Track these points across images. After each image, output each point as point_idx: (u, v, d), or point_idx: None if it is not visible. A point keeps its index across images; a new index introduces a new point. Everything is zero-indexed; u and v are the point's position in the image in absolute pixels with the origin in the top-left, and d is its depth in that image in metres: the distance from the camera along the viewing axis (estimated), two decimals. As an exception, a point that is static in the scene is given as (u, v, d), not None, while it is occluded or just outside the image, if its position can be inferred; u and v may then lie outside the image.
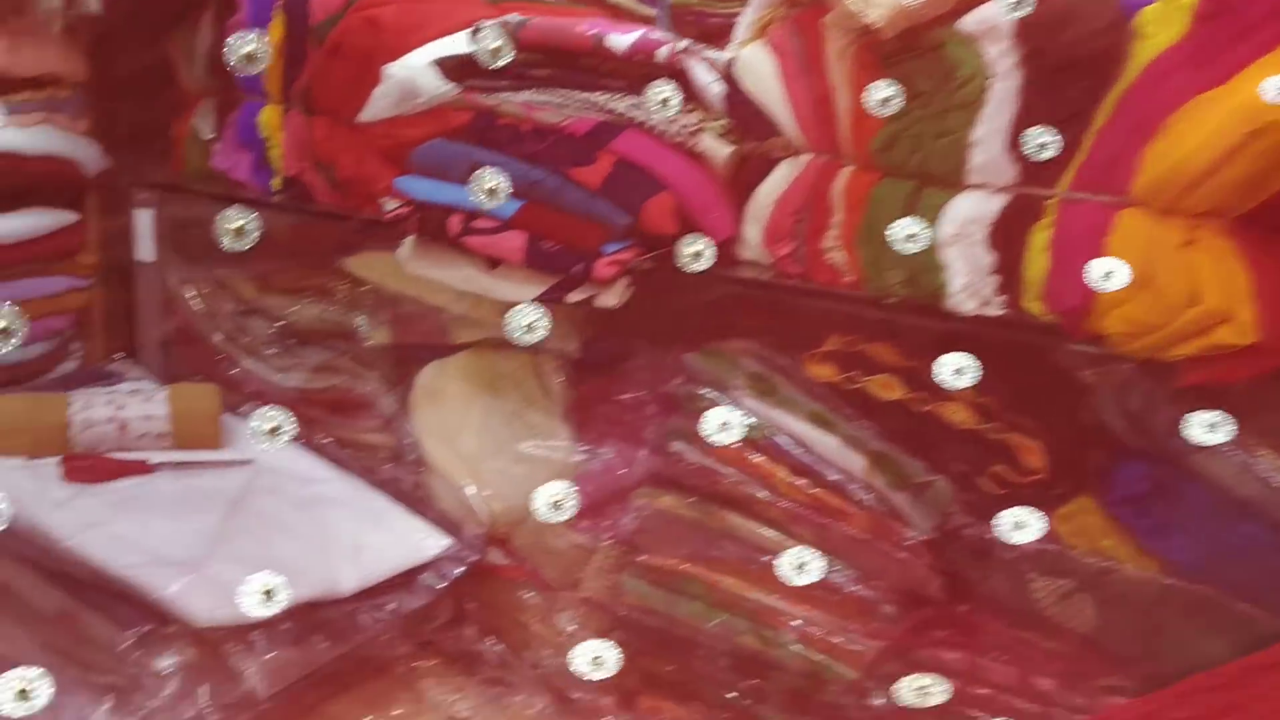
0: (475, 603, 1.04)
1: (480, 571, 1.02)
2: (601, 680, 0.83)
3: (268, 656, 0.87)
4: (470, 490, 1.03)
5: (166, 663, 0.86)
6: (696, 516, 0.93)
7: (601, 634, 1.00)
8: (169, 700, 0.85)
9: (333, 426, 1.14)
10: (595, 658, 0.85)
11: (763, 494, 0.90)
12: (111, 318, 1.31)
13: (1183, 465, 0.79)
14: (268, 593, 0.84)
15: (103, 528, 0.93)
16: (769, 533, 0.90)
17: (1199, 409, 0.78)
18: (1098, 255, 0.78)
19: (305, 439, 1.13)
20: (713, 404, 0.90)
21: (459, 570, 1.00)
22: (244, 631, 0.87)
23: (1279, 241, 0.77)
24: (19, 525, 0.95)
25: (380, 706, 0.96)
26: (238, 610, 0.86)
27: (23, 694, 0.78)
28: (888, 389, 0.89)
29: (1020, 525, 0.83)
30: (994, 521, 0.85)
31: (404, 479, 1.08)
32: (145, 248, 1.28)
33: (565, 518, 0.94)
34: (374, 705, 0.96)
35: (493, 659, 1.01)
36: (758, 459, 0.90)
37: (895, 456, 0.89)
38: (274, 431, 0.99)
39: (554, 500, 0.94)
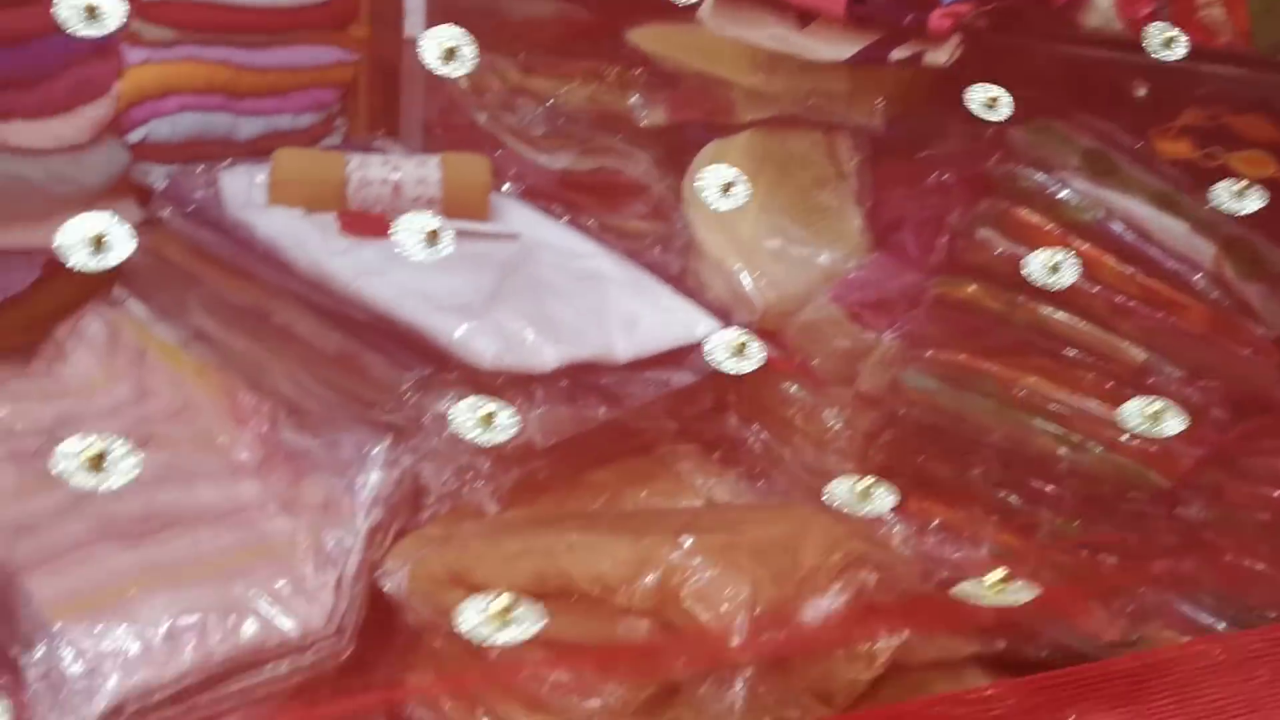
0: (738, 394, 1.01)
1: (748, 361, 0.99)
2: (905, 459, 0.79)
3: (546, 410, 0.86)
4: (744, 277, 0.99)
5: (448, 406, 0.86)
6: (1000, 309, 0.87)
7: (871, 433, 0.97)
8: (448, 441, 0.85)
9: (597, 211, 1.12)
10: (898, 438, 0.81)
11: (1083, 284, 0.83)
12: (376, 95, 1.31)
13: None
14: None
15: (383, 276, 0.94)
16: (1086, 327, 0.84)
17: None
18: None
19: (570, 221, 1.12)
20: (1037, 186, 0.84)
21: (726, 356, 0.97)
22: (525, 382, 0.86)
23: None
24: (301, 269, 0.96)
25: (640, 482, 0.95)
26: (523, 358, 0.85)
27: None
28: (1256, 166, 0.81)
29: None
30: None
31: (671, 264, 1.06)
32: (415, 24, 1.27)
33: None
34: (634, 480, 0.95)
35: (754, 450, 0.99)
36: (1082, 245, 0.83)
37: (1253, 242, 0.81)
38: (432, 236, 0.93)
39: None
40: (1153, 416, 0.81)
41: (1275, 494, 0.81)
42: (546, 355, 0.87)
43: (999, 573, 0.57)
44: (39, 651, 0.74)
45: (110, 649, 0.74)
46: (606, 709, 0.77)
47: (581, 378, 0.89)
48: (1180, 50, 0.84)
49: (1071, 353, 0.84)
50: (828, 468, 0.98)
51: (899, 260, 0.94)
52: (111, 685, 0.72)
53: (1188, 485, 0.81)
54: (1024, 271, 0.83)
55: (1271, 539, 0.81)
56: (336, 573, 0.84)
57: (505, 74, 1.22)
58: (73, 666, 0.73)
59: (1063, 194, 0.83)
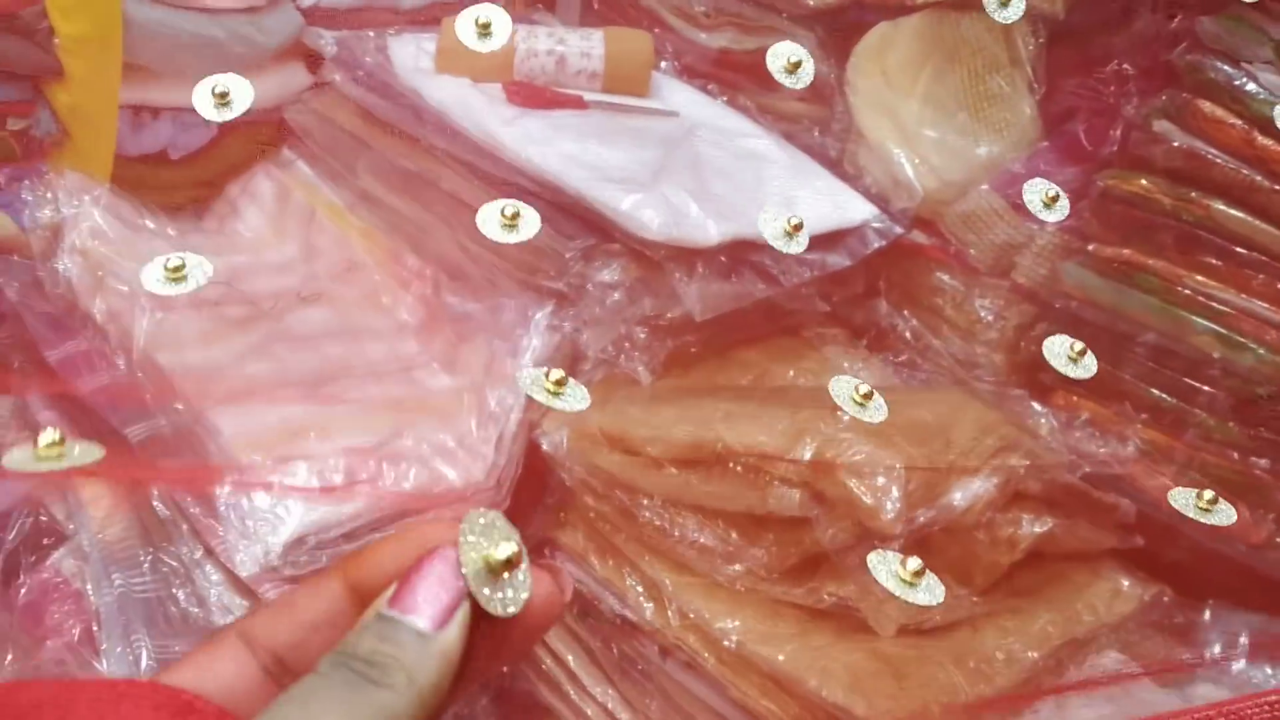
0: (889, 280, 1.02)
1: (901, 248, 0.99)
2: (1056, 357, 0.78)
3: (706, 283, 0.88)
4: (904, 163, 0.99)
5: (611, 275, 0.88)
6: (1171, 204, 0.86)
7: (1022, 326, 0.97)
8: (611, 310, 0.88)
9: (755, 91, 1.12)
10: (1052, 334, 0.80)
11: (1265, 183, 0.81)
12: (536, -33, 1.32)
13: None
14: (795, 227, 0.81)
15: (549, 145, 0.95)
16: (1262, 226, 0.82)
17: None
18: None
19: (728, 101, 1.12)
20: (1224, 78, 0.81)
21: (881, 242, 0.98)
22: (686, 255, 0.88)
23: None
24: (468, 136, 0.99)
25: (788, 361, 0.97)
26: (687, 231, 0.87)
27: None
28: None
29: None
30: None
31: (830, 147, 1.05)
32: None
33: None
34: (782, 359, 0.97)
35: (902, 337, 1.00)
36: (1267, 142, 0.81)
37: None
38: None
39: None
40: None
41: None
42: (710, 230, 0.88)
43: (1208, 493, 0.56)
44: (229, 484, 0.79)
45: (293, 485, 0.79)
46: (750, 574, 0.80)
47: (741, 254, 0.91)
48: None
49: (1243, 252, 0.83)
50: (975, 359, 0.99)
51: (1068, 151, 0.93)
52: (295, 518, 0.77)
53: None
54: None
55: None
56: (497, 430, 0.87)
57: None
58: (260, 499, 0.78)
59: (1249, 87, 0.81)
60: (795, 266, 0.93)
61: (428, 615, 0.38)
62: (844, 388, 0.60)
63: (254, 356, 0.92)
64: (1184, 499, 0.54)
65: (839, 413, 0.75)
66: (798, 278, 0.91)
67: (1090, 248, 0.90)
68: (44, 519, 0.86)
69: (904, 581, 0.54)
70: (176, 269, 0.58)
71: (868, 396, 0.60)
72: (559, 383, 0.55)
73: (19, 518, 0.87)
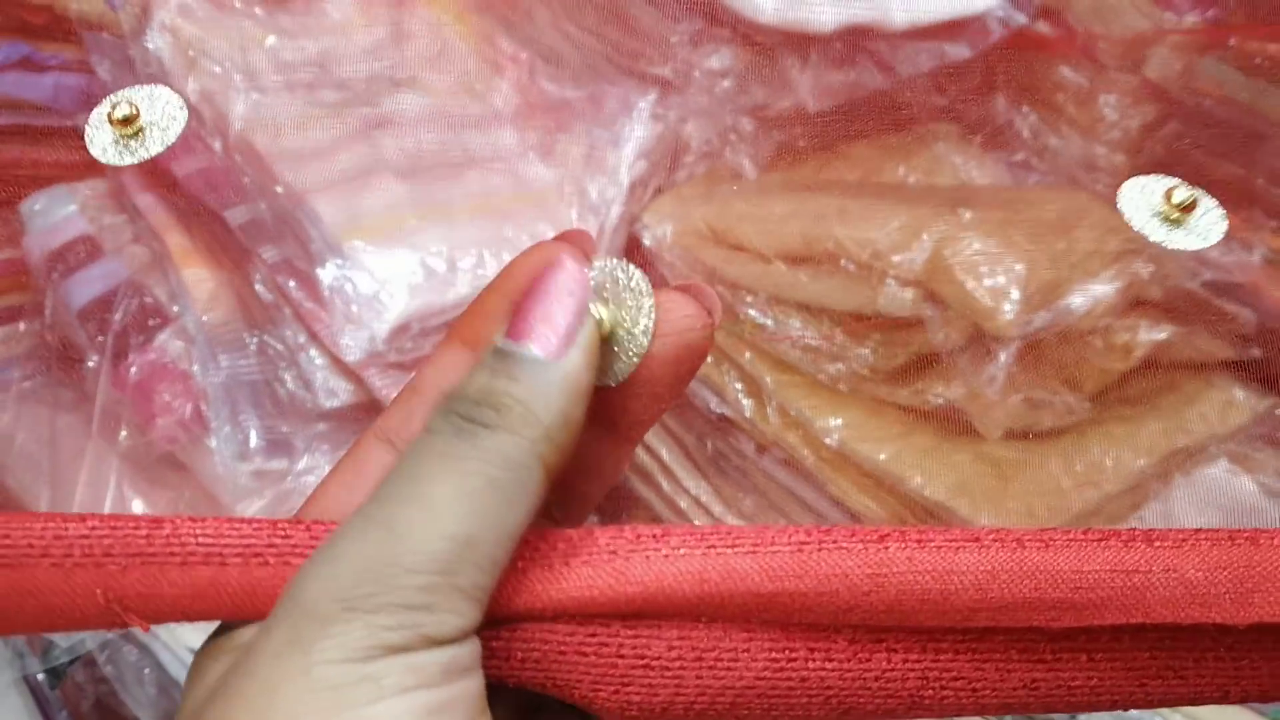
0: (1008, 74, 0.96)
1: (1022, 39, 0.94)
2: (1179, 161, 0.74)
3: (820, 72, 0.84)
4: (1032, -55, 0.92)
5: (719, 62, 0.84)
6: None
7: (1150, 125, 0.92)
8: (718, 99, 0.85)
9: None
10: (1179, 134, 0.76)
11: None
12: None
13: None
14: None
15: (655, -78, 0.90)
16: None
17: None
18: None
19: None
20: None
21: (1002, 32, 0.92)
22: (801, 43, 0.84)
23: None
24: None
25: (898, 158, 0.93)
26: (802, 15, 0.83)
27: None
28: None
29: None
30: None
31: (950, -71, 0.99)
32: None
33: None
34: (892, 155, 0.93)
35: (1019, 135, 0.95)
36: None
37: None
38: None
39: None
40: None
41: None
42: (825, 16, 0.84)
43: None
44: (331, 269, 0.79)
45: (396, 271, 0.78)
46: (854, 374, 0.79)
47: (857, 42, 0.86)
48: None
49: (1407, 47, 0.77)
50: (1096, 160, 0.94)
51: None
52: (400, 304, 0.77)
53: None
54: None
55: None
56: (599, 221, 0.86)
57: None
58: (365, 284, 0.77)
59: None
60: (914, 56, 0.88)
61: (544, 339, 0.34)
62: (1142, 198, 0.51)
63: (351, 141, 0.90)
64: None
65: (961, 210, 0.73)
66: (916, 68, 0.87)
67: (1233, 41, 0.84)
68: (149, 300, 0.87)
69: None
70: (127, 120, 0.55)
71: (1188, 209, 0.50)
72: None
73: (124, 298, 0.88)
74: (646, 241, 0.85)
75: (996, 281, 0.69)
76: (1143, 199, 0.63)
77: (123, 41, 0.96)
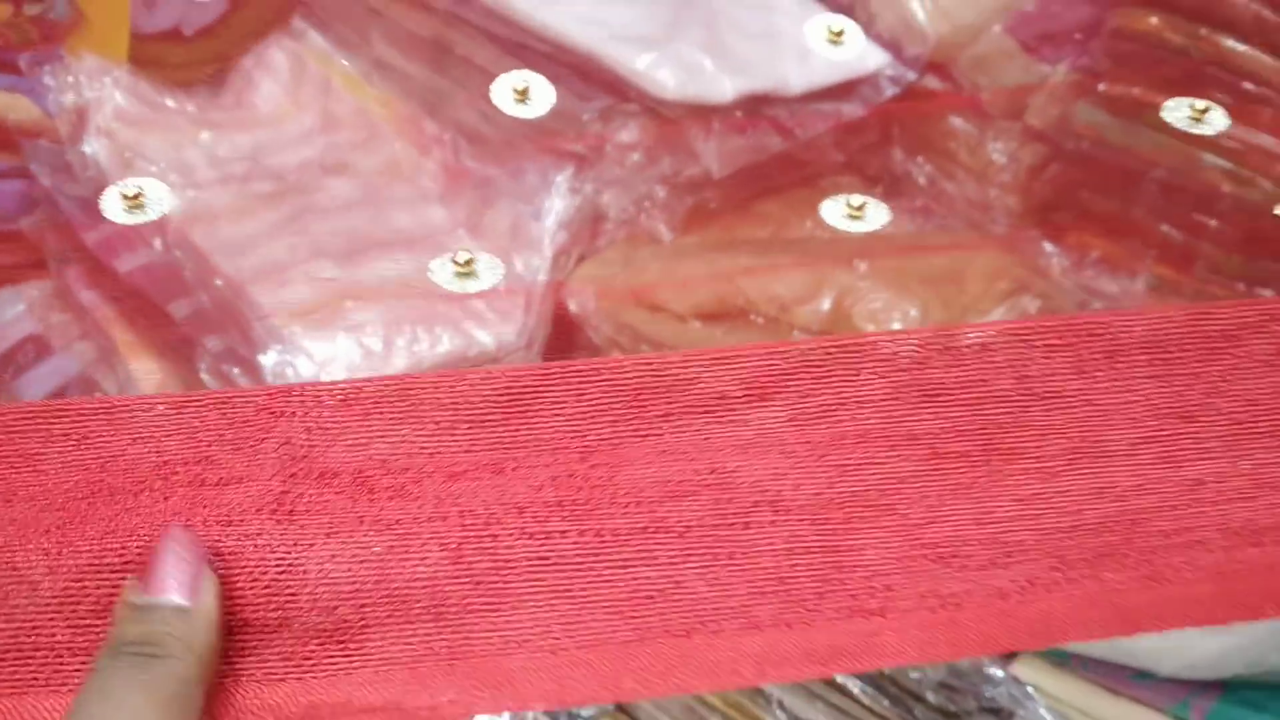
0: (903, 127, 1.03)
1: (914, 93, 1.00)
2: (1062, 192, 0.81)
3: (723, 140, 0.89)
4: (916, 8, 0.99)
5: (629, 136, 0.90)
6: (1181, 42, 0.86)
7: (1035, 167, 0.98)
8: (630, 170, 0.90)
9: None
10: (1060, 171, 0.83)
11: (1271, 16, 0.82)
12: None
13: None
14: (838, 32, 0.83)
15: (561, 6, 0.96)
16: (1270, 61, 0.83)
17: None
18: None
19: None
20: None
21: (894, 89, 0.98)
22: (704, 114, 0.89)
23: None
24: (482, 1, 0.99)
25: (806, 212, 0.98)
26: (703, 88, 0.88)
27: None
28: None
29: None
30: None
31: (841, -7, 1.05)
32: None
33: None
34: (799, 210, 0.98)
35: (917, 182, 1.01)
36: (1277, -24, 0.82)
37: None
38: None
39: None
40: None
41: None
42: (725, 86, 0.89)
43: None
44: (273, 354, 0.83)
45: (335, 353, 0.83)
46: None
47: (756, 109, 0.92)
48: None
49: (1250, 88, 0.84)
50: (990, 202, 1.00)
51: (1079, -11, 0.93)
52: (339, 384, 0.81)
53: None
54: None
55: None
56: (525, 292, 0.90)
57: None
58: (304, 367, 0.82)
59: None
60: (810, 118, 0.94)
61: (181, 589, 0.44)
62: (835, 206, 0.63)
63: (285, 230, 0.94)
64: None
65: (858, 261, 0.78)
66: (813, 129, 0.93)
67: (1101, 87, 0.90)
68: (99, 395, 0.90)
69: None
70: (135, 197, 0.62)
71: (861, 207, 0.63)
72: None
73: (74, 394, 0.91)
74: (572, 307, 0.90)
75: (893, 327, 0.75)
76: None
77: (61, 147, 1.01)
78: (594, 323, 0.89)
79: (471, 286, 0.67)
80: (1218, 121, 0.84)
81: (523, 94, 0.66)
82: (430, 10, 1.01)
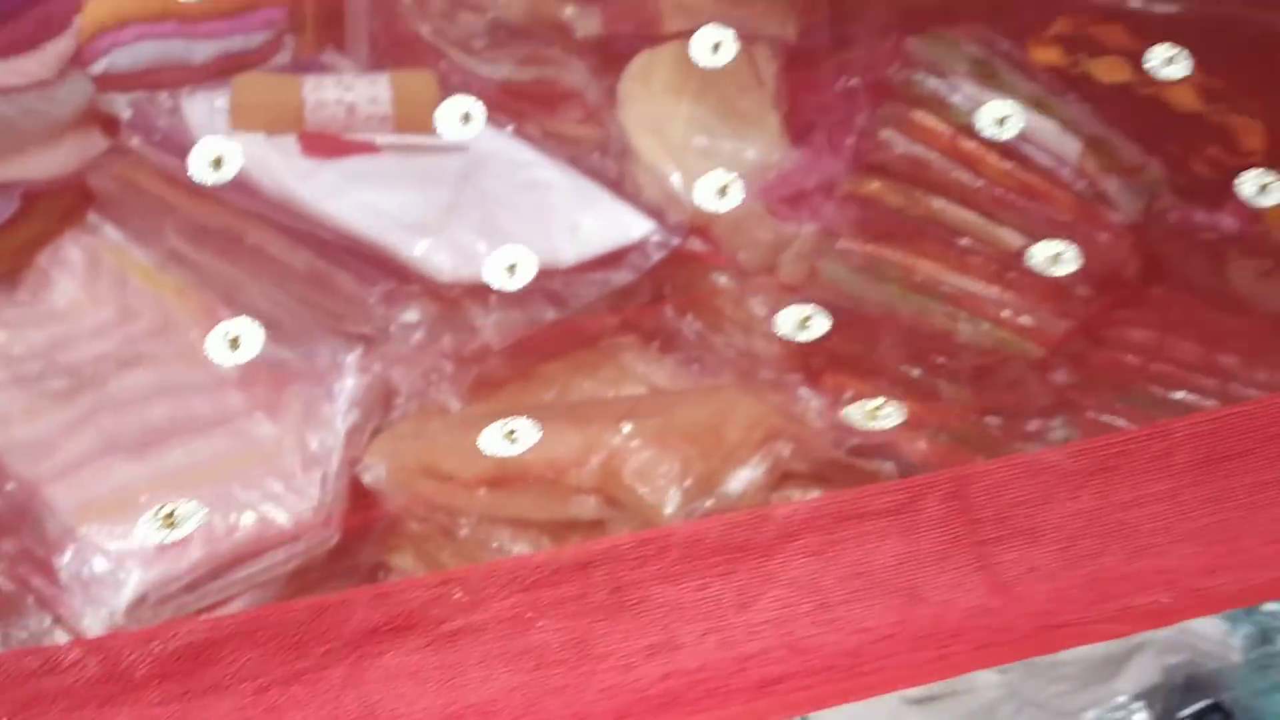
0: (674, 286, 1.11)
1: (680, 256, 1.09)
2: (820, 340, 0.91)
3: (501, 315, 0.96)
4: (674, 178, 1.08)
5: (411, 317, 0.96)
6: (900, 203, 0.97)
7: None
8: (415, 348, 0.96)
9: (539, 118, 1.20)
10: (804, 318, 0.92)
11: (970, 180, 0.93)
12: (322, 10, 1.37)
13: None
14: (511, 267, 0.92)
15: (345, 196, 1.02)
16: (972, 217, 0.94)
17: None
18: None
19: (515, 129, 1.20)
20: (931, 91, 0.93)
21: (661, 254, 1.07)
22: (481, 291, 0.96)
23: None
24: (269, 193, 1.05)
25: (587, 372, 1.05)
26: (478, 271, 0.95)
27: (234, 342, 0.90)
28: (1114, 71, 0.91)
29: (1265, 189, 0.86)
30: (1236, 182, 0.88)
31: (609, 168, 1.14)
32: (356, -59, 1.32)
33: (731, 205, 0.99)
34: (581, 371, 1.05)
35: (688, 338, 1.10)
36: (969, 145, 0.93)
37: (1112, 140, 0.92)
38: (464, 118, 1.04)
39: (720, 187, 0.99)
40: (1053, 258, 0.93)
41: (1128, 359, 0.93)
42: (494, 264, 0.96)
43: (877, 400, 0.72)
44: (68, 554, 0.85)
45: (130, 548, 0.85)
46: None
47: (531, 283, 0.99)
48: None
49: (962, 241, 0.95)
50: (756, 351, 1.09)
51: (814, 159, 1.03)
52: (134, 579, 0.83)
53: (1057, 354, 0.93)
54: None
55: (1126, 398, 0.93)
56: (321, 470, 0.94)
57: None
58: (100, 565, 0.84)
59: (953, 98, 0.93)
60: (583, 288, 1.01)
61: None
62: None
63: (80, 427, 0.96)
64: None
65: (623, 424, 0.85)
66: (586, 298, 1.00)
67: (838, 245, 1.00)
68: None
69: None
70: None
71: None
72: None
73: None
74: (367, 480, 0.94)
75: (657, 484, 0.81)
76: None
77: None
78: (389, 495, 0.93)
79: (172, 537, 0.73)
80: (939, 274, 0.95)
81: (234, 342, 0.72)
82: (220, 203, 1.06)
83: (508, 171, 1.11)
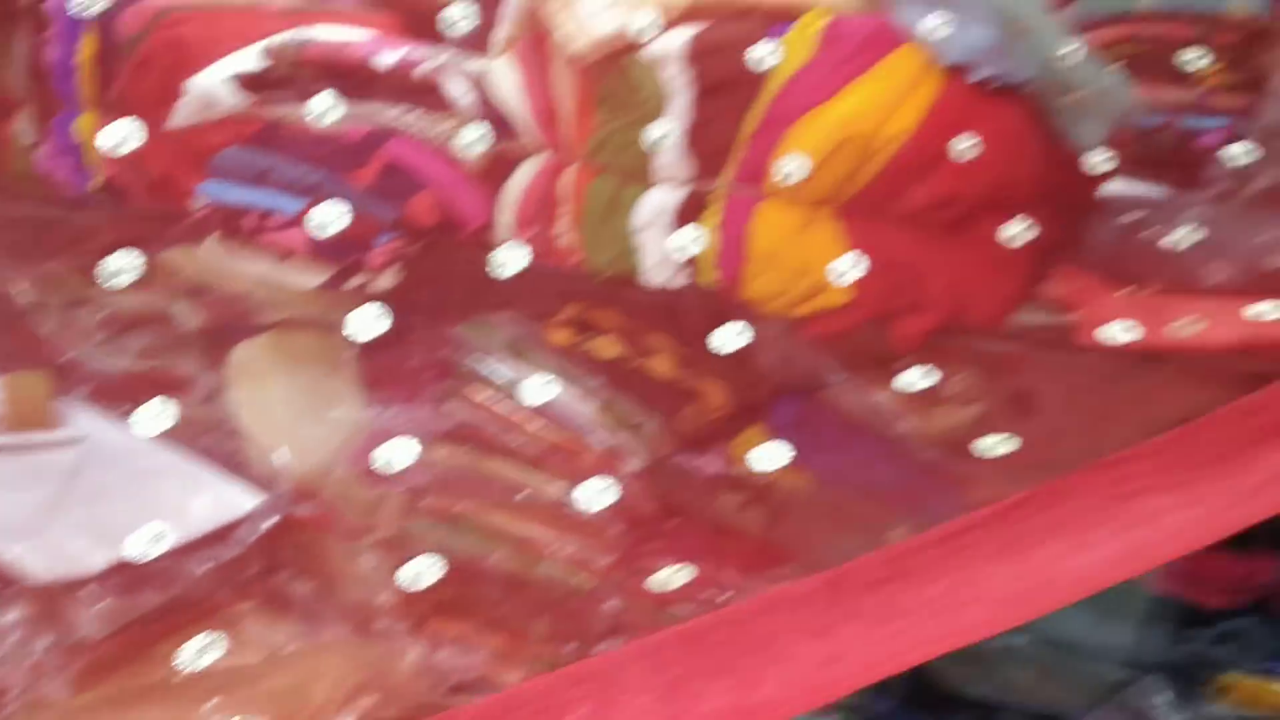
0: (287, 550, 1.19)
1: (290, 523, 1.17)
2: (422, 590, 1.01)
3: (100, 606, 1.02)
4: (280, 454, 1.18)
5: (10, 617, 1.00)
6: (467, 464, 1.10)
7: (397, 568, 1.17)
8: (13, 648, 1.00)
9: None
10: (413, 571, 1.03)
11: (516, 441, 1.08)
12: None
13: (820, 399, 1.01)
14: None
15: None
16: (523, 472, 1.08)
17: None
18: (744, 239, 1.00)
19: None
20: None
21: (269, 523, 1.15)
22: (79, 585, 1.02)
23: (880, 223, 0.99)
24: None
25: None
26: (75, 568, 1.00)
27: None
28: (608, 348, 1.09)
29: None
30: (746, 458, 1.05)
31: (224, 445, 1.23)
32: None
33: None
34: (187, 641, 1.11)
35: (305, 598, 1.17)
36: (512, 411, 1.08)
37: (617, 403, 1.09)
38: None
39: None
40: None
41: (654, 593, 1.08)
42: (96, 559, 1.02)
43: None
44: None
45: None
46: None
47: (134, 570, 1.05)
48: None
49: (519, 495, 1.09)
50: (374, 604, 1.18)
51: (391, 428, 1.16)
52: None
53: (605, 583, 1.07)
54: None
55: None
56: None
57: (68, 281, 1.36)
58: None
59: (497, 373, 1.08)
60: (191, 566, 1.08)
61: None
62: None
63: None
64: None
65: (212, 698, 0.92)
66: (189, 580, 1.07)
67: (423, 503, 1.12)
68: None
69: None
70: None
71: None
72: None
73: None
74: (-27, 786, 0.96)
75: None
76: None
77: None
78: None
79: None
80: (507, 523, 1.08)
81: None
82: None
83: (120, 460, 1.18)
